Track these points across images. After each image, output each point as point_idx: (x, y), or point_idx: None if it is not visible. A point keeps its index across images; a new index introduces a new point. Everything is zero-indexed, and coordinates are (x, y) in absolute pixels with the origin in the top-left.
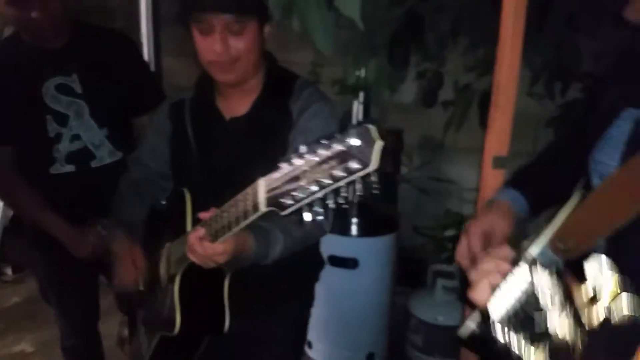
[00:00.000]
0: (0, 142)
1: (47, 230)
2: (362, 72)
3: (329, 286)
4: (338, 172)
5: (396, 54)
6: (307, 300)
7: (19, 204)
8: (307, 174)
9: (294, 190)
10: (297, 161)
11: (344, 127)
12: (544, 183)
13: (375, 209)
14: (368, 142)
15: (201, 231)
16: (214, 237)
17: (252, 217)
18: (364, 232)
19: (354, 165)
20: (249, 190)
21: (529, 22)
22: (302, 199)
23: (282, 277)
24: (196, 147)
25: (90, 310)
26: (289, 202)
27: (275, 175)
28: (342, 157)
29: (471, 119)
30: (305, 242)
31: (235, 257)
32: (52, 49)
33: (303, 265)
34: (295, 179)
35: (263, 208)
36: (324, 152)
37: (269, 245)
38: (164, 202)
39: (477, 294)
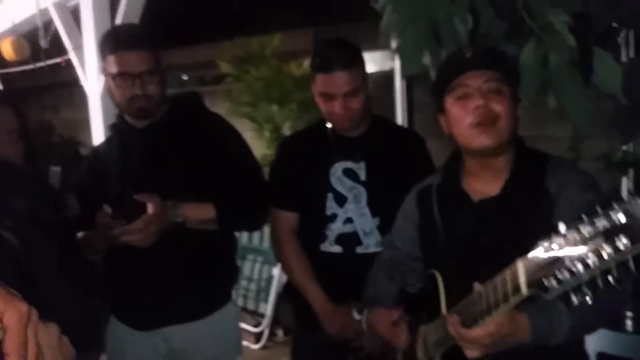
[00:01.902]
0: (289, 208)
1: (307, 299)
2: (630, 147)
3: None
4: (606, 251)
5: None
6: None
7: (292, 267)
8: (570, 253)
9: (558, 271)
10: (558, 240)
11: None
12: None
13: None
14: (634, 214)
15: (454, 318)
16: (473, 321)
17: (513, 301)
18: None
19: (624, 242)
20: (507, 272)
21: None
22: (568, 280)
23: None
24: (444, 231)
25: None
26: (554, 284)
27: (535, 255)
28: (609, 234)
29: None
30: (608, 312)
31: (505, 341)
32: (349, 137)
33: (565, 359)
34: (558, 259)
35: (525, 291)
36: (587, 229)
37: (552, 321)
38: (415, 286)
39: None
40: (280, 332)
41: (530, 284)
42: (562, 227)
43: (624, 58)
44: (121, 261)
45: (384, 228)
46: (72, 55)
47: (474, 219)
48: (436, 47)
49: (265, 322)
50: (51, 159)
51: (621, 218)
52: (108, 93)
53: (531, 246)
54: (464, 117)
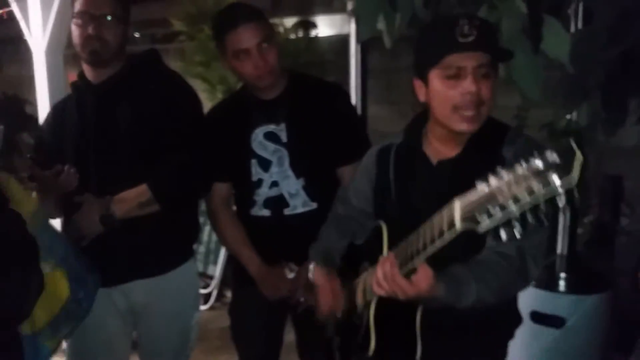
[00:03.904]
0: (219, 179)
1: (243, 263)
2: (574, 116)
3: (528, 345)
4: (536, 188)
5: (611, 96)
6: (500, 358)
7: (225, 235)
8: (504, 191)
9: (491, 207)
10: (494, 180)
11: None
12: None
13: (588, 263)
14: (568, 155)
15: (390, 256)
16: (408, 259)
17: (447, 236)
18: (573, 288)
19: (553, 179)
20: (444, 210)
21: None
22: (499, 216)
23: (475, 330)
24: (396, 192)
25: (272, 352)
26: (485, 219)
27: (472, 194)
28: (541, 172)
29: None
30: (505, 293)
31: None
32: (267, 100)
33: (497, 319)
34: (492, 197)
35: (459, 225)
36: (521, 169)
37: (461, 295)
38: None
39: None
40: (228, 294)
41: (464, 219)
42: (499, 169)
43: (572, 29)
44: None
45: (310, 188)
46: (15, 7)
47: (429, 181)
48: (391, 11)
49: (214, 283)
50: None
51: (553, 157)
52: (72, 39)
53: None
54: (451, 99)
